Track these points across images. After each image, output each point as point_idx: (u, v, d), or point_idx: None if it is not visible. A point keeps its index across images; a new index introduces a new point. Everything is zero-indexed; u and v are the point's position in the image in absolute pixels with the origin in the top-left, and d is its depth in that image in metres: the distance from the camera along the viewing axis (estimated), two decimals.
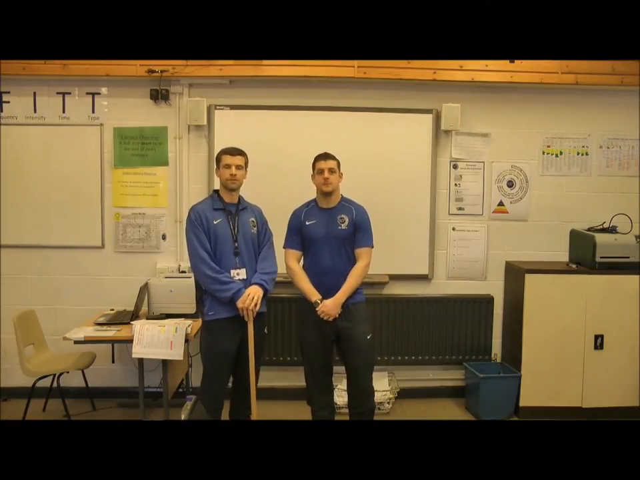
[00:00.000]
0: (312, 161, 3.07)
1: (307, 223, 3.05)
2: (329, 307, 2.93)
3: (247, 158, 3.04)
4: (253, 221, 3.03)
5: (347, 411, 3.76)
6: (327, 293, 2.97)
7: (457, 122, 3.98)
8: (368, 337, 3.02)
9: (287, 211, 3.88)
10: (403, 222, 4.03)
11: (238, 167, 2.96)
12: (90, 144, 3.97)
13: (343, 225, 3.01)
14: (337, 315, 2.95)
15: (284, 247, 3.12)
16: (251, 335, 2.88)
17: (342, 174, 3.08)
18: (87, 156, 3.98)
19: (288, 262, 3.08)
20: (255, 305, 2.85)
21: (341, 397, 3.67)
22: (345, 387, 3.75)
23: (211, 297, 2.90)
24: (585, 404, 3.80)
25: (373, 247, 3.08)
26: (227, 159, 2.96)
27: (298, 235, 3.08)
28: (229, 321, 2.88)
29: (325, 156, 3.04)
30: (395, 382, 4.01)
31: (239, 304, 2.83)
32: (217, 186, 3.17)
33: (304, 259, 3.11)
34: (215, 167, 3.06)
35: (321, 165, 3.01)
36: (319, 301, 2.94)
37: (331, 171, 2.99)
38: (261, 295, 2.89)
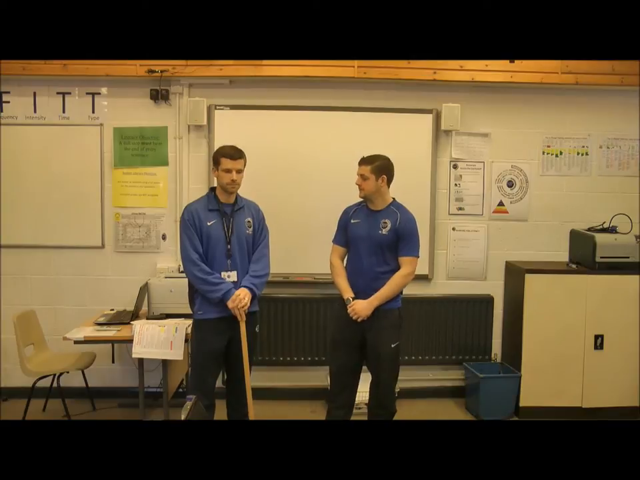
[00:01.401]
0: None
1: (352, 221, 3.05)
2: (360, 307, 2.90)
3: (246, 158, 2.97)
4: (249, 221, 2.98)
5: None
6: (358, 293, 2.95)
7: (457, 122, 3.98)
8: (392, 346, 2.96)
9: (285, 211, 3.90)
10: None
11: (238, 172, 2.89)
12: (90, 144, 3.97)
13: (384, 230, 2.95)
14: (367, 317, 2.91)
15: (332, 241, 3.14)
16: (243, 335, 2.87)
17: (384, 177, 2.97)
18: (87, 156, 3.98)
19: (330, 256, 3.11)
20: (244, 306, 2.84)
21: None
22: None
23: (201, 296, 2.90)
24: (584, 404, 3.81)
25: (418, 257, 3.00)
26: (228, 164, 2.86)
27: (344, 232, 3.08)
28: (217, 321, 2.88)
29: (360, 161, 3.01)
30: None
31: (230, 304, 2.83)
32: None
33: (347, 257, 3.11)
34: (213, 166, 2.97)
35: (358, 171, 3.00)
36: (351, 299, 2.94)
37: (363, 177, 2.96)
38: (250, 297, 2.88)
